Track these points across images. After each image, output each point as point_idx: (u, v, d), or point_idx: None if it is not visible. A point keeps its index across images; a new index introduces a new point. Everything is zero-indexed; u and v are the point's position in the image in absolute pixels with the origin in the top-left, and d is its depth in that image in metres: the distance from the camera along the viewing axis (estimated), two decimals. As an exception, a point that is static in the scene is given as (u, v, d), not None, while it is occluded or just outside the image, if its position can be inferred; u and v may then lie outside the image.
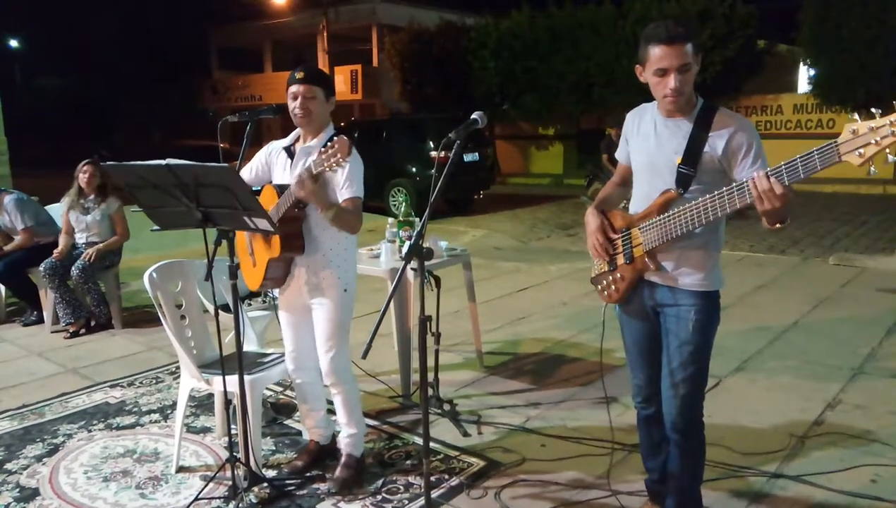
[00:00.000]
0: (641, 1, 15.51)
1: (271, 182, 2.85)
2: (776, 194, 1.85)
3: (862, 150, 1.71)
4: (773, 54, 16.63)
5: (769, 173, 1.86)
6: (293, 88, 2.64)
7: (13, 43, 30.09)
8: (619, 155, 2.43)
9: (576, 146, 19.63)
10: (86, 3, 26.94)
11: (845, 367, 4.14)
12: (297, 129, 2.79)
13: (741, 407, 3.59)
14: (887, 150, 1.70)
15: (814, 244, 8.40)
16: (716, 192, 2.00)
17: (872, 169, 1.73)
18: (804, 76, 16.73)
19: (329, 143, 2.35)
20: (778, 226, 1.96)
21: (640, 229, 2.22)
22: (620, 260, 2.29)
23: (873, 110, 1.72)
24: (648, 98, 2.27)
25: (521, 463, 3.04)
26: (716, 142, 2.09)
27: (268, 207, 2.56)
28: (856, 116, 1.75)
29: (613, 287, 2.34)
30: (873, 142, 1.70)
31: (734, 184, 1.96)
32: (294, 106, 2.64)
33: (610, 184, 2.49)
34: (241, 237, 2.87)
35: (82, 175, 5.22)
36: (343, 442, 2.96)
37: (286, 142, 2.84)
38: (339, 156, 2.29)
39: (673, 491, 2.39)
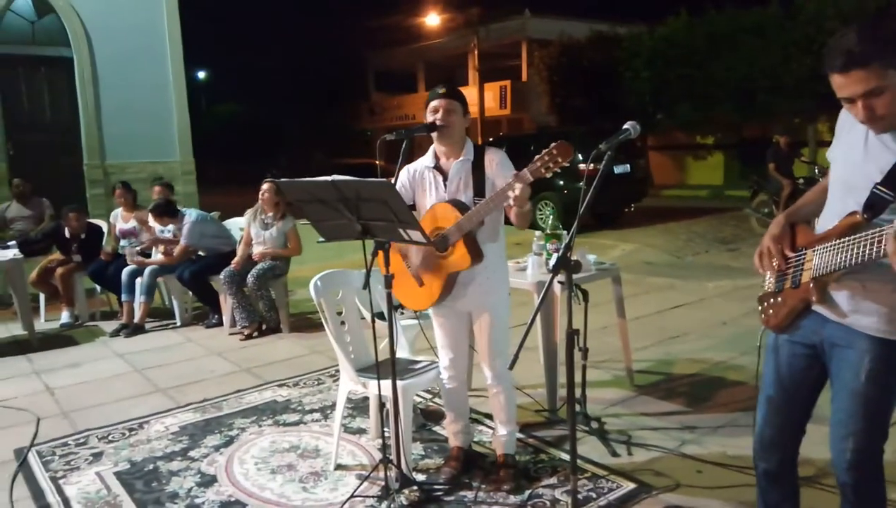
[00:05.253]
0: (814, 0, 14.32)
1: (413, 202, 2.96)
2: None
3: None
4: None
5: None
6: (434, 103, 2.82)
7: (200, 74, 33.95)
8: (829, 154, 2.07)
9: (738, 156, 18.49)
10: (258, 36, 29.86)
11: None
12: (432, 148, 2.90)
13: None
14: None
15: None
16: None
17: None
18: None
19: (547, 149, 2.37)
20: None
21: (815, 251, 1.92)
22: (787, 282, 2.02)
23: None
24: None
25: (675, 489, 2.91)
26: None
27: (445, 224, 2.70)
28: None
29: (772, 311, 2.07)
30: None
31: None
32: (435, 118, 2.79)
33: (816, 189, 2.14)
34: (398, 259, 2.92)
35: (263, 193, 5.75)
36: (501, 440, 3.06)
37: (427, 161, 2.92)
38: (559, 158, 2.32)
39: None
